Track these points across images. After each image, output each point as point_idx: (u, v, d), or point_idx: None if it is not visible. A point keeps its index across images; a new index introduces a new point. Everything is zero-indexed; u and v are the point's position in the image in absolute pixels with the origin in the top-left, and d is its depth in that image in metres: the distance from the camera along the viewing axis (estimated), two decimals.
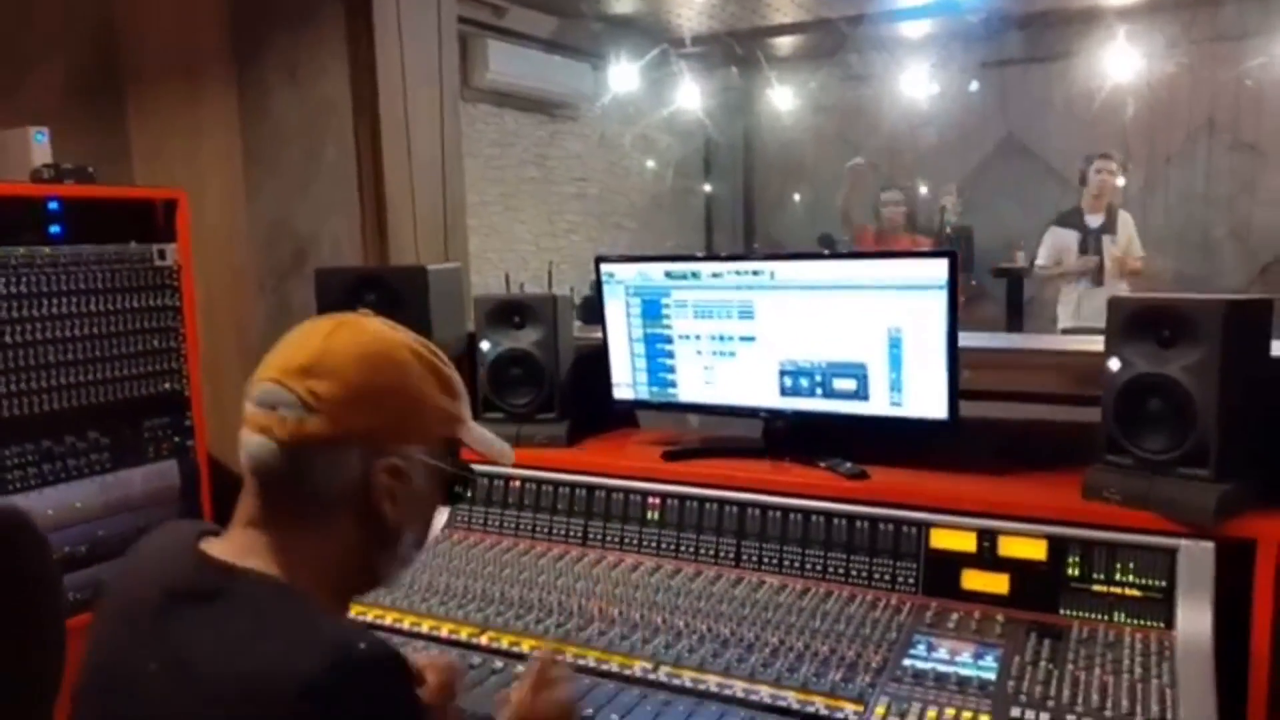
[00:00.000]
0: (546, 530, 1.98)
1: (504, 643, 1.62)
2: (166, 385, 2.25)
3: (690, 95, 7.16)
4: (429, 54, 2.78)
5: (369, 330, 1.03)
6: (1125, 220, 5.11)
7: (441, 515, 2.06)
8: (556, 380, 2.10)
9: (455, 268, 2.36)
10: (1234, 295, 1.54)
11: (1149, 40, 6.19)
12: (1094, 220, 5.11)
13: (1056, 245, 5.20)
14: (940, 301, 1.70)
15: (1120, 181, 5.20)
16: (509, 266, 6.06)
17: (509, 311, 2.13)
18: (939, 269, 1.70)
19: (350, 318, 1.04)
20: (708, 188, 8.60)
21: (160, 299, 2.23)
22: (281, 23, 2.77)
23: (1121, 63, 6.15)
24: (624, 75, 6.61)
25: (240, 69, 2.87)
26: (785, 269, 1.83)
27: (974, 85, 7.25)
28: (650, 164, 7.80)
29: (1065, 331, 5.05)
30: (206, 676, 0.87)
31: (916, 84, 6.96)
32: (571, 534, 1.96)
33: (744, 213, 8.60)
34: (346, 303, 2.18)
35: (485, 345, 2.12)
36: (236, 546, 0.98)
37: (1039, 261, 5.28)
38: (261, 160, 2.89)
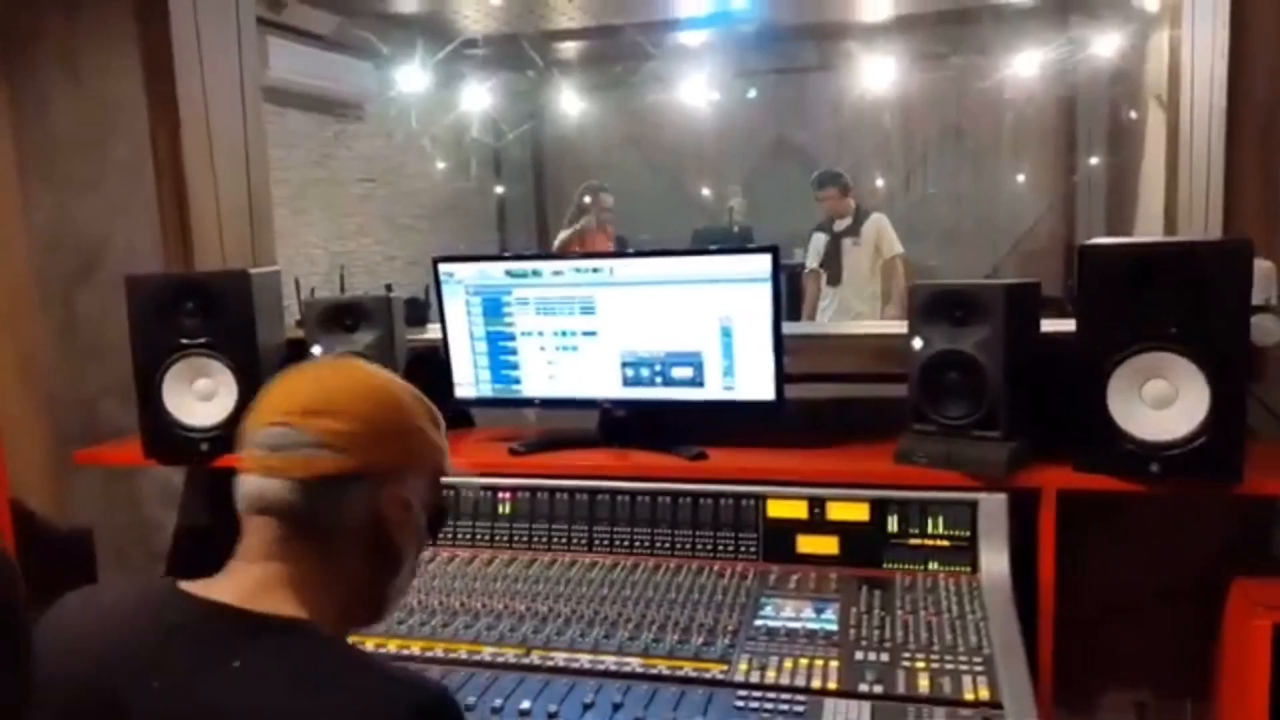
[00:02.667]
0: None
1: (368, 645, 1.61)
2: None
3: (479, 96, 7.15)
4: (227, 48, 2.66)
5: (365, 370, 1.10)
6: (875, 221, 5.50)
7: None
8: None
9: (275, 272, 2.29)
10: (1010, 280, 1.78)
11: (904, 53, 6.81)
12: (840, 224, 5.55)
13: (815, 248, 5.67)
14: (765, 293, 1.85)
15: (849, 201, 5.58)
16: (298, 270, 5.81)
17: (341, 314, 2.10)
18: (763, 263, 1.85)
19: (338, 360, 1.11)
20: (499, 189, 8.60)
21: None
22: (53, 13, 2.56)
23: (881, 73, 6.73)
24: (410, 75, 6.50)
25: (6, 57, 2.62)
26: (624, 266, 1.93)
27: (752, 92, 7.68)
28: (440, 165, 7.70)
29: None
30: None
31: (697, 90, 7.28)
32: None
33: (536, 214, 8.68)
34: (161, 311, 2.07)
35: (318, 350, 2.08)
36: (244, 589, 0.98)
37: (806, 262, 5.72)
38: (36, 161, 2.64)
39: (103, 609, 1.02)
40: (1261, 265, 1.68)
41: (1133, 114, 6.13)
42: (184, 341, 2.04)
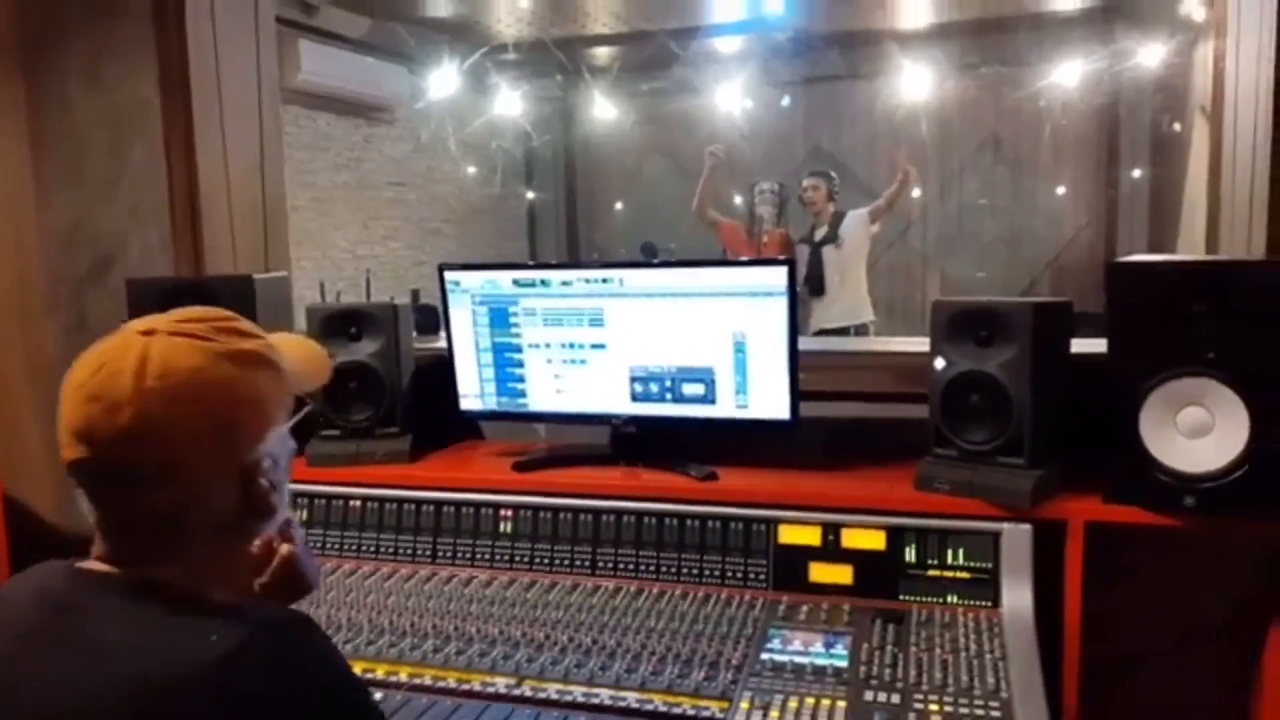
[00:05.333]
0: (392, 550, 1.92)
1: (356, 670, 1.55)
2: None
3: (511, 102, 7.12)
4: (245, 52, 2.63)
5: (172, 366, 0.94)
6: (851, 218, 5.42)
7: None
8: (398, 393, 2.03)
9: (282, 276, 2.25)
10: (1039, 298, 1.68)
11: (942, 62, 6.69)
12: (818, 234, 5.44)
13: (801, 260, 5.52)
14: (781, 307, 1.77)
15: (826, 197, 5.45)
16: (324, 274, 5.82)
17: (345, 321, 2.05)
18: (779, 276, 1.77)
19: (146, 353, 0.95)
20: (530, 195, 8.57)
21: None
22: (76, 17, 2.55)
23: (918, 82, 6.61)
24: (443, 79, 6.48)
25: (27, 63, 2.62)
26: (634, 276, 1.85)
27: (785, 100, 7.59)
28: (471, 170, 7.69)
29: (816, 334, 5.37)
30: (119, 674, 0.87)
31: (731, 98, 7.20)
32: (420, 553, 1.90)
33: (566, 221, 8.64)
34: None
35: None
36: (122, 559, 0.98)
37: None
38: (54, 162, 2.64)
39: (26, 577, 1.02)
40: None
41: (1176, 126, 5.97)
42: None
